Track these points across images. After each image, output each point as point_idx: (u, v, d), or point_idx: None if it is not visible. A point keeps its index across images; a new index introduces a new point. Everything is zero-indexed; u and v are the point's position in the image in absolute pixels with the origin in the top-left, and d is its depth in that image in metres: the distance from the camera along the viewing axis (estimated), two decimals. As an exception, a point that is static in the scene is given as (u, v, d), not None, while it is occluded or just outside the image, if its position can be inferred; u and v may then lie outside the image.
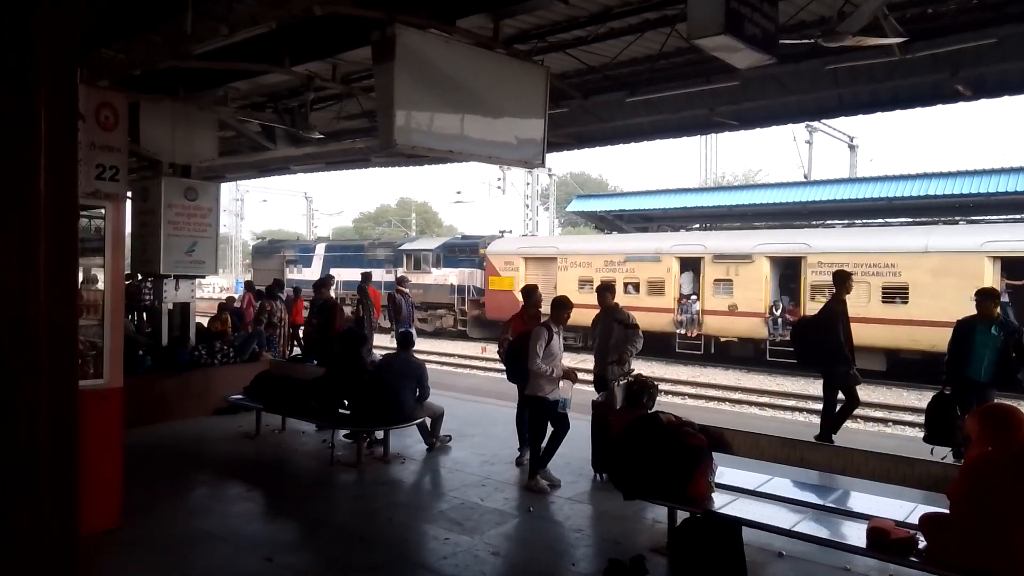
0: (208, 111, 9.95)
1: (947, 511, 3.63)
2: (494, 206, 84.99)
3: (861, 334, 16.50)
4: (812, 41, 5.93)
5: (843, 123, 29.84)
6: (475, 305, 25.42)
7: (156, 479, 6.48)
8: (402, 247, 28.97)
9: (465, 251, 26.76)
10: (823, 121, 26.22)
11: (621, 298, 19.76)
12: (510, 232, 28.61)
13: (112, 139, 5.15)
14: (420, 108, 5.93)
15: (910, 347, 16.39)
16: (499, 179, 40.37)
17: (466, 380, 12.95)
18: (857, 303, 16.71)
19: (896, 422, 12.73)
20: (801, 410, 13.78)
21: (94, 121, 5.05)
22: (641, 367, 9.66)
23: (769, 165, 67.94)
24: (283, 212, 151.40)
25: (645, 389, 6.39)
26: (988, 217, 19.33)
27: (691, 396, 15.29)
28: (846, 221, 21.33)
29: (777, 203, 22.28)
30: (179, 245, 9.43)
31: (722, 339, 19.75)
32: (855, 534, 4.11)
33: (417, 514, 5.78)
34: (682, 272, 20.55)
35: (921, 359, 16.52)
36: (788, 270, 19.08)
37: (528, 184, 38.03)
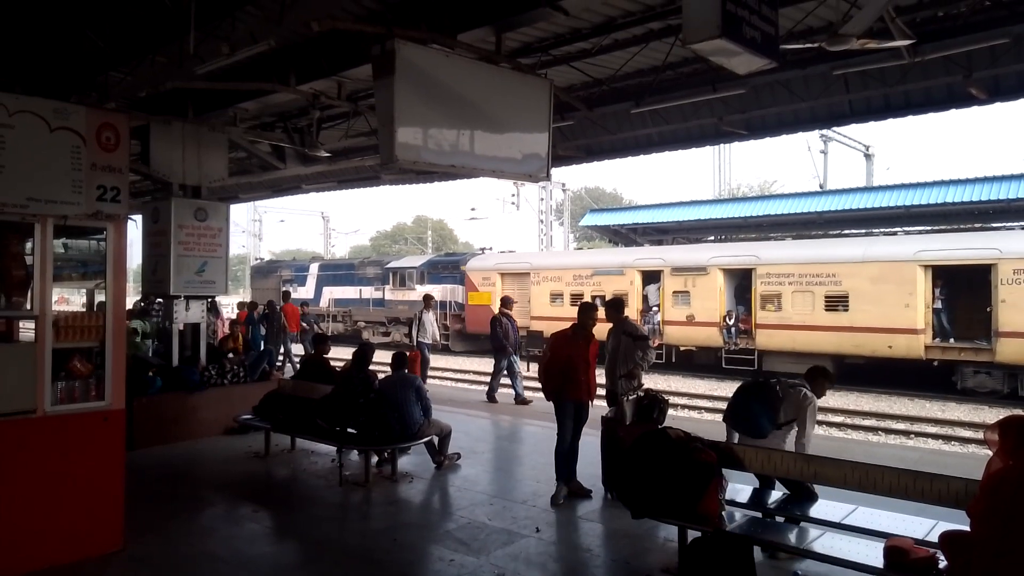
0: (218, 132, 10.02)
1: (968, 529, 3.46)
2: (509, 222, 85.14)
3: (809, 341, 17.66)
4: (817, 46, 5.83)
5: (858, 132, 29.54)
6: (457, 319, 26.63)
7: (163, 500, 6.44)
8: (389, 265, 30.08)
9: (447, 268, 27.89)
10: (837, 130, 26.02)
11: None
12: (490, 250, 29.83)
13: (113, 160, 5.13)
14: (421, 123, 5.89)
15: (853, 352, 17.07)
16: (513, 195, 40.37)
17: (479, 396, 12.82)
18: (803, 311, 17.84)
19: (919, 434, 12.41)
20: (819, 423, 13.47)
21: (95, 142, 5.03)
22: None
23: (784, 176, 67.48)
24: (301, 232, 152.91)
25: (655, 404, 6.24)
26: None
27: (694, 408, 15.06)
28: (863, 231, 21.08)
29: (792, 213, 22.14)
30: (189, 265, 9.47)
31: (682, 348, 20.44)
32: (873, 553, 3.95)
33: (423, 534, 5.67)
34: (645, 285, 21.38)
35: (865, 364, 17.24)
36: (744, 281, 19.70)
37: (542, 200, 37.99)
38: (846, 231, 21.81)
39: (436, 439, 7.44)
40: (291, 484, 7.32)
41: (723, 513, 4.59)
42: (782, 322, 18.08)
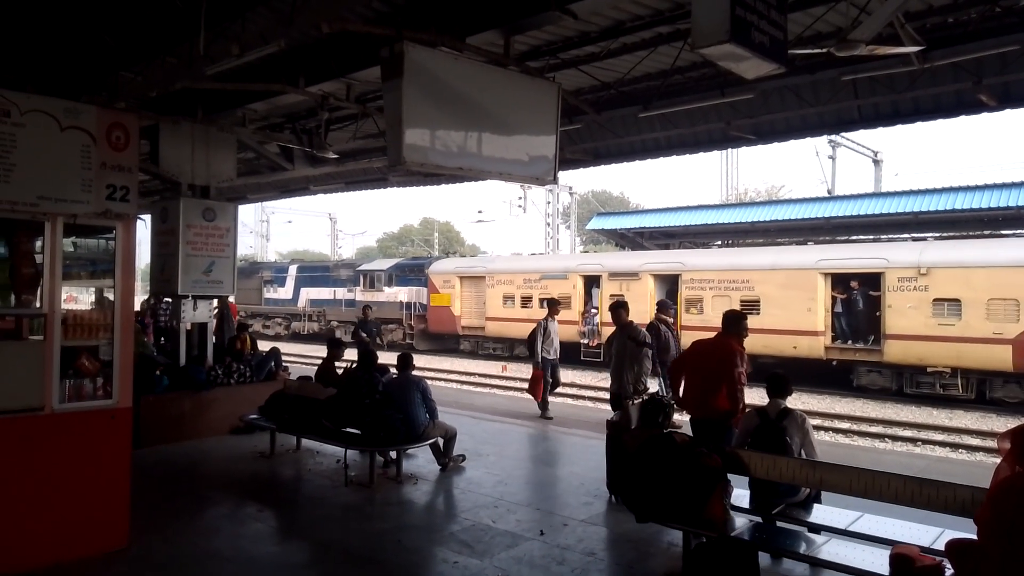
0: (227, 132, 10.07)
1: (975, 537, 3.44)
2: (516, 225, 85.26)
3: (726, 342, 19.01)
4: (825, 51, 5.81)
5: (867, 137, 29.58)
6: (421, 320, 27.95)
7: (168, 499, 6.46)
8: (360, 268, 31.23)
9: (413, 271, 29.04)
10: (846, 135, 25.94)
11: (536, 312, 22.07)
12: (455, 254, 31.40)
13: (123, 159, 5.16)
14: (429, 125, 5.89)
15: (764, 352, 18.00)
16: (520, 198, 40.33)
17: (484, 399, 12.83)
18: (721, 314, 18.03)
19: (926, 441, 12.34)
20: (825, 429, 13.41)
21: (105, 142, 5.06)
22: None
23: (792, 181, 67.24)
24: (308, 233, 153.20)
25: (661, 408, 6.22)
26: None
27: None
28: (870, 237, 21.01)
29: (799, 219, 22.12)
30: (197, 265, 9.51)
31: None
32: (878, 560, 3.93)
33: (427, 536, 5.67)
34: (587, 288, 22.57)
35: (774, 363, 18.17)
36: (673, 286, 20.66)
37: (549, 203, 38.00)
38: (852, 237, 21.79)
39: (441, 441, 7.45)
40: (296, 484, 7.34)
41: (728, 518, 4.57)
42: (704, 324, 18.93)
